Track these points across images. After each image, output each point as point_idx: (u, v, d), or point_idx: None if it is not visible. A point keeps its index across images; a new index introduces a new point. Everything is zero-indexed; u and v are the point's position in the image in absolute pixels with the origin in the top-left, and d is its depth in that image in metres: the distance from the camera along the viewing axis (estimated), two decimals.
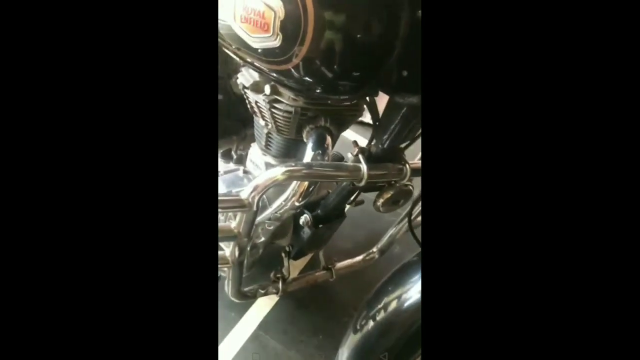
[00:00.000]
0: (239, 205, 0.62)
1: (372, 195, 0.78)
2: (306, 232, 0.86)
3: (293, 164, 0.62)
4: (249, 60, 0.63)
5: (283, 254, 0.95)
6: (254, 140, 0.99)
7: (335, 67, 0.57)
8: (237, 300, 0.85)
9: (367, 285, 1.34)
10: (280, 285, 0.93)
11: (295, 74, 0.59)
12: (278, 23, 0.50)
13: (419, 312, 0.60)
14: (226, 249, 0.79)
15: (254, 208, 0.63)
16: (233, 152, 0.94)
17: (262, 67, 0.61)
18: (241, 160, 0.93)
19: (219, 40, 0.66)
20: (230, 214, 0.84)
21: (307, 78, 0.59)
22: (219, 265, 0.74)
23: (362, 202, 0.88)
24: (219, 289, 0.89)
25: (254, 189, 0.62)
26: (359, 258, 1.05)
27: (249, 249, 0.82)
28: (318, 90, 0.61)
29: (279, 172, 0.61)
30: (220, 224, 0.76)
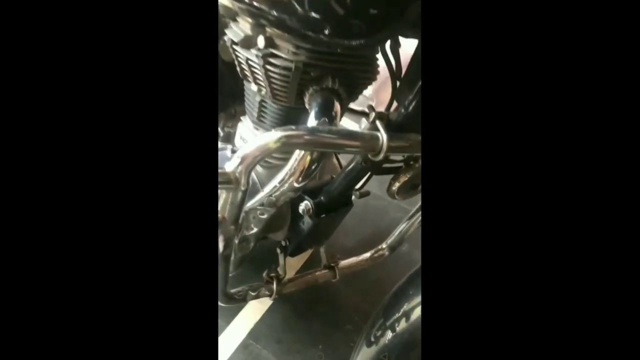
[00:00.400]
0: (223, 180, 0.48)
1: (377, 187, 0.64)
2: (306, 222, 0.72)
3: (292, 128, 0.48)
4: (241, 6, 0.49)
5: (278, 250, 0.81)
6: (244, 115, 0.85)
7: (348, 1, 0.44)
8: (223, 304, 0.71)
9: (373, 286, 1.22)
10: (274, 286, 0.79)
11: (299, 8, 0.45)
12: None
13: None
14: None
15: (242, 185, 0.49)
16: (220, 129, 0.80)
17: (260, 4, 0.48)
18: (229, 138, 0.79)
19: None
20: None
21: (313, 14, 0.46)
22: None
23: (367, 193, 0.75)
24: None
25: (242, 161, 0.48)
26: (367, 255, 0.91)
27: (236, 241, 0.68)
28: (326, 31, 0.48)
29: (273, 137, 0.47)
30: None
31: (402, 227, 0.91)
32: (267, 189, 0.61)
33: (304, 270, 0.97)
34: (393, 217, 1.43)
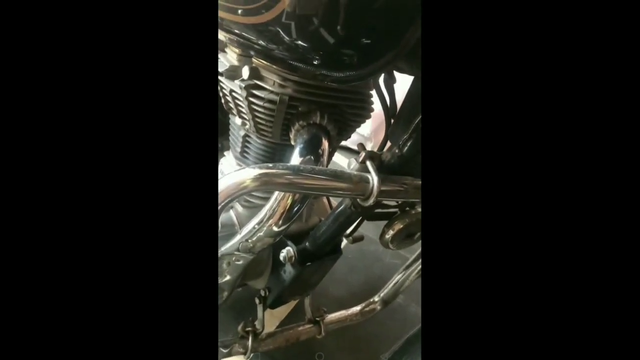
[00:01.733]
0: None
1: (371, 230, 0.58)
2: (288, 271, 0.65)
3: (271, 166, 0.42)
4: (233, 20, 0.46)
5: (257, 300, 0.72)
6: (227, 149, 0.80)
7: (339, 27, 0.40)
8: None
9: (361, 343, 1.11)
10: (249, 342, 0.69)
11: (286, 36, 0.41)
12: None
13: None
14: None
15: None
16: None
17: (242, 25, 0.44)
18: None
19: None
20: None
21: (301, 42, 0.42)
22: None
23: (361, 238, 0.68)
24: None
25: None
26: (357, 309, 0.82)
27: None
28: (315, 62, 0.44)
29: (250, 175, 0.42)
30: None
31: (397, 277, 0.83)
32: (244, 232, 0.55)
33: (287, 323, 0.88)
34: (388, 264, 1.34)
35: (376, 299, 0.84)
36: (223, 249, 0.57)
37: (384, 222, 0.58)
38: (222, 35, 0.56)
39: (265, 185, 0.42)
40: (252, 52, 0.53)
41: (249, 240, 0.54)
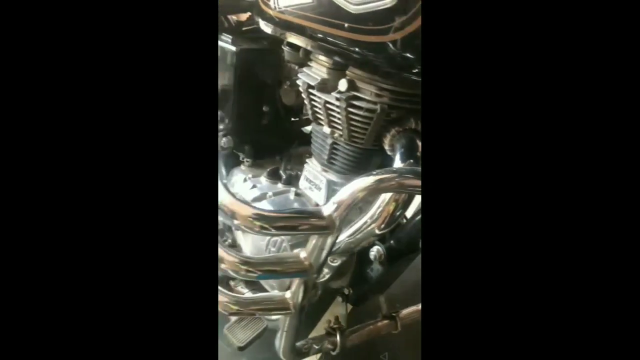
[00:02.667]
0: (320, 225, 0.45)
1: None
2: (376, 269, 0.68)
3: (385, 172, 0.46)
4: (333, 39, 0.50)
5: (340, 298, 0.76)
6: (302, 161, 0.84)
7: None
8: None
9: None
10: (337, 338, 0.73)
11: (392, 48, 0.45)
12: None
13: None
14: (278, 290, 0.62)
15: (337, 231, 0.47)
16: (281, 172, 0.78)
17: (352, 44, 0.48)
18: (291, 181, 0.78)
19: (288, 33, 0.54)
20: (282, 242, 0.67)
21: (409, 55, 0.45)
22: (276, 312, 0.56)
23: None
24: (253, 344, 0.69)
25: (337, 206, 0.46)
26: None
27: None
28: (414, 70, 0.47)
29: (367, 182, 0.45)
30: (286, 252, 0.59)
31: None
32: (346, 234, 0.58)
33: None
34: None
35: None
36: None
37: None
38: (306, 43, 0.59)
39: (380, 190, 0.46)
40: (344, 61, 0.57)
41: (352, 243, 0.58)
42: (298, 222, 0.45)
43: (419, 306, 0.87)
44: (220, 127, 0.53)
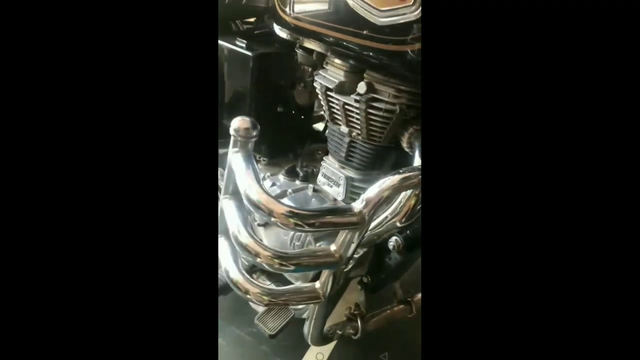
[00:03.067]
0: (352, 222, 0.49)
1: None
2: (394, 258, 0.73)
3: (410, 170, 0.50)
4: (350, 45, 0.53)
5: (359, 286, 0.81)
6: (315, 158, 0.88)
7: None
8: (316, 345, 0.70)
9: None
10: (358, 323, 0.78)
11: (412, 56, 0.48)
12: None
13: None
14: (305, 281, 0.66)
15: (367, 227, 0.51)
16: (298, 169, 0.82)
17: (369, 50, 0.51)
18: (308, 178, 0.81)
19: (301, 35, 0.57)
20: (305, 237, 0.71)
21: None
22: (307, 302, 0.60)
23: None
24: (283, 330, 0.74)
25: (367, 203, 0.50)
26: None
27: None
28: None
29: (395, 180, 0.49)
30: (316, 247, 0.63)
31: None
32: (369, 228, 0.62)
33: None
34: None
35: None
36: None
37: None
38: (321, 47, 0.62)
39: (406, 187, 0.50)
40: (362, 65, 0.60)
41: (375, 235, 0.62)
42: (331, 219, 0.49)
43: None
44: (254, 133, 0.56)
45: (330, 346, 1.02)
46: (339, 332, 0.76)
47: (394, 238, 0.72)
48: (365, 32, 0.51)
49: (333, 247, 0.54)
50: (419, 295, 0.89)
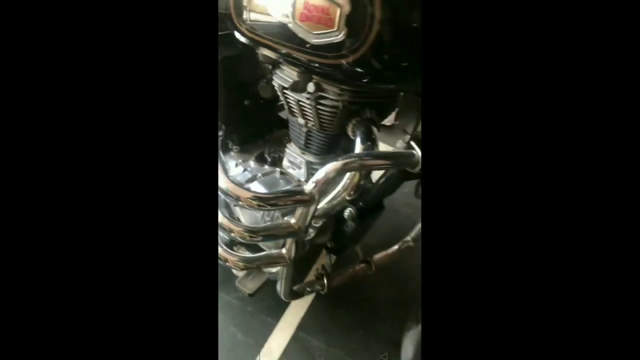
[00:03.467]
0: (304, 200, 0.62)
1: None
2: (350, 225, 0.87)
3: (348, 157, 0.63)
4: (297, 57, 0.64)
5: (325, 250, 0.96)
6: (282, 143, 1.00)
7: (385, 57, 0.59)
8: (288, 300, 0.85)
9: (396, 277, 1.37)
10: (325, 281, 0.93)
11: (350, 67, 0.60)
12: (344, 17, 0.52)
13: None
14: (275, 247, 0.80)
15: (317, 203, 0.64)
16: (266, 155, 0.94)
17: (314, 63, 0.63)
18: (275, 163, 0.94)
19: (262, 41, 0.68)
20: (273, 213, 0.85)
21: (363, 70, 0.61)
22: (275, 265, 0.75)
23: None
24: (260, 292, 0.89)
25: (315, 184, 0.63)
26: (395, 248, 1.07)
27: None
28: (364, 80, 0.63)
29: (338, 165, 0.62)
30: (279, 220, 0.77)
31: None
32: (324, 202, 0.76)
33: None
34: (404, 214, 1.59)
35: (409, 238, 1.08)
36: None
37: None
38: (274, 55, 0.73)
39: (348, 170, 0.63)
40: (312, 74, 0.71)
41: (330, 208, 0.76)
42: (287, 199, 0.63)
43: (388, 250, 1.09)
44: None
45: (308, 301, 1.19)
46: (309, 289, 0.91)
47: (348, 209, 0.86)
48: (307, 47, 0.62)
49: (293, 220, 0.68)
50: (377, 256, 1.05)
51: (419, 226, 1.08)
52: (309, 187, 0.63)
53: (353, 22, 0.52)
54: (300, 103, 0.76)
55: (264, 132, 1.02)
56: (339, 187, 0.73)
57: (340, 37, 0.54)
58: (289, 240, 0.72)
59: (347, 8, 0.51)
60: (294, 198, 0.62)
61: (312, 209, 0.66)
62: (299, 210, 0.67)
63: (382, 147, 0.74)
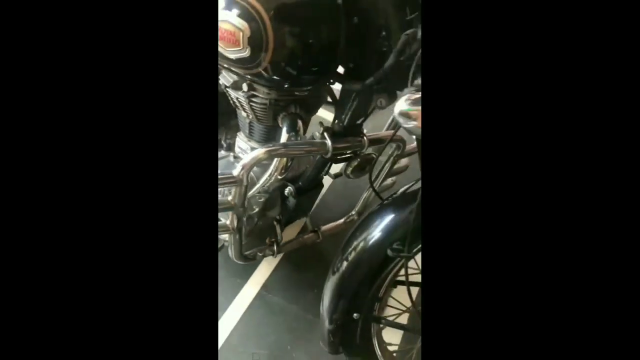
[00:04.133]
0: (233, 181, 0.79)
1: None
2: (291, 201, 1.04)
3: (271, 145, 0.79)
4: (225, 66, 0.79)
5: (275, 222, 1.13)
6: (239, 130, 1.15)
7: (295, 66, 0.73)
8: (240, 262, 1.03)
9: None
10: (275, 247, 1.11)
11: (265, 74, 0.75)
12: (246, 39, 0.66)
13: (381, 249, 0.79)
14: (224, 220, 0.97)
15: (245, 183, 0.81)
16: (222, 142, 1.10)
17: (238, 72, 0.78)
18: (230, 148, 1.10)
19: None
20: (226, 191, 1.02)
21: (275, 77, 0.76)
22: (221, 233, 0.92)
23: (340, 174, 1.06)
24: (223, 259, 1.07)
25: (242, 167, 0.79)
26: (341, 221, 1.24)
27: (245, 219, 0.99)
28: (285, 85, 0.78)
29: (261, 152, 0.78)
30: (220, 197, 0.94)
31: (364, 195, 1.23)
32: (260, 182, 0.93)
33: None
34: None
35: (353, 212, 1.24)
36: (250, 193, 0.95)
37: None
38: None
39: (270, 157, 0.79)
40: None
41: (265, 186, 0.92)
42: (222, 181, 0.79)
43: (335, 223, 1.26)
44: None
45: (273, 265, 1.38)
46: (260, 254, 1.09)
47: (287, 188, 1.03)
48: (229, 59, 0.76)
49: (230, 197, 0.85)
50: (325, 227, 1.22)
51: (360, 201, 1.24)
52: (237, 170, 0.79)
53: (254, 42, 0.66)
54: (239, 100, 0.91)
55: (222, 121, 1.17)
56: (271, 169, 0.89)
57: (246, 53, 0.68)
58: (229, 213, 0.89)
59: (247, 32, 0.65)
60: (227, 180, 0.78)
61: (243, 188, 0.82)
62: (234, 190, 0.83)
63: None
